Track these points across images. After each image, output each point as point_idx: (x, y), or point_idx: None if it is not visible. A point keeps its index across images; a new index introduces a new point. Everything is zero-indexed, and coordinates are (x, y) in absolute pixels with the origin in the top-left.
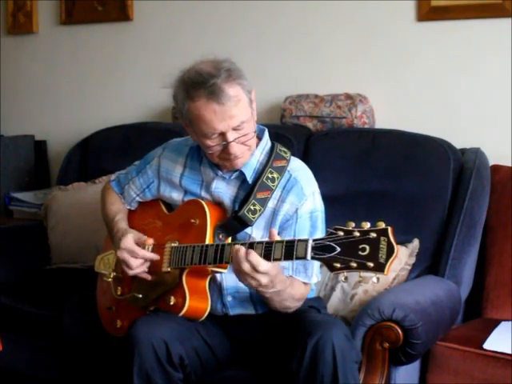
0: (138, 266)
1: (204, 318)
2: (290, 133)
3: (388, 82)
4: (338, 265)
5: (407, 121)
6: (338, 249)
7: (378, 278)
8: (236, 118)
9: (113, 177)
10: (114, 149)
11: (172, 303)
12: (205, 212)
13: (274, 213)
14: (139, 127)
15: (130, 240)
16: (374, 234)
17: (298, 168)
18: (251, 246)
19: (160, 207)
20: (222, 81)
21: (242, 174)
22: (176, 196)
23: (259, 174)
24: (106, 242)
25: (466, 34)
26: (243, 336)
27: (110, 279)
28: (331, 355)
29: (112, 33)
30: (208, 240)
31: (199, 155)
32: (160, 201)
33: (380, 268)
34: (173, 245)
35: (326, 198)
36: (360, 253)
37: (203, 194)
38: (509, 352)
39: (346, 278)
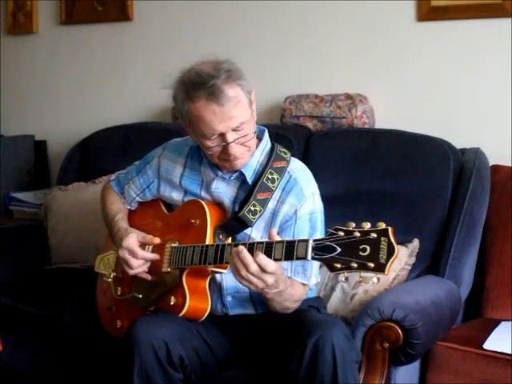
0: (138, 266)
1: (204, 318)
2: (290, 133)
3: (388, 82)
4: (339, 265)
5: (407, 121)
6: (339, 249)
7: (378, 278)
8: (236, 118)
9: (113, 177)
10: (113, 149)
11: (172, 303)
12: (205, 212)
13: (274, 214)
14: (139, 127)
15: (132, 239)
16: (374, 235)
17: (297, 169)
18: (251, 246)
19: (160, 207)
20: (222, 82)
21: (241, 175)
22: (176, 196)
23: (259, 175)
24: (106, 242)
25: (466, 34)
26: (243, 336)
27: (109, 279)
28: (331, 355)
29: (112, 33)
30: (208, 240)
31: (199, 155)
32: (160, 201)
33: (380, 268)
34: (173, 245)
35: (325, 198)
36: (360, 253)
37: (203, 194)
38: (509, 352)
39: (346, 279)
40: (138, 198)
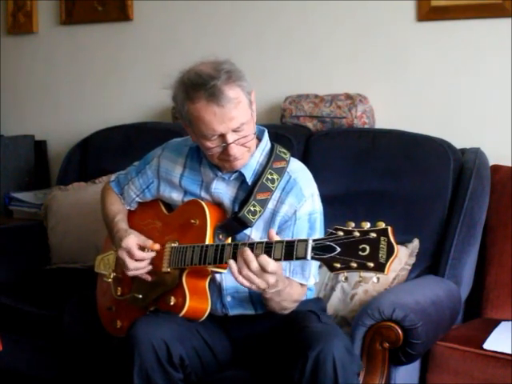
0: (135, 268)
1: (204, 318)
2: (290, 133)
3: (388, 82)
4: (338, 265)
5: (407, 121)
6: (338, 249)
7: (378, 278)
8: (236, 119)
9: (112, 177)
10: (113, 149)
11: (172, 303)
12: (205, 212)
13: (273, 214)
14: (139, 127)
15: (131, 240)
16: (374, 234)
17: (297, 169)
18: (251, 246)
19: (160, 207)
20: (222, 83)
21: (241, 175)
22: (176, 196)
23: (259, 175)
24: (106, 242)
25: (466, 34)
26: (243, 336)
27: (109, 280)
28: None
29: (112, 33)
30: (208, 240)
31: (199, 155)
32: (160, 201)
33: (380, 268)
34: (173, 245)
35: (325, 197)
36: (360, 253)
37: (203, 194)
38: (509, 352)
39: (346, 278)
40: (137, 199)
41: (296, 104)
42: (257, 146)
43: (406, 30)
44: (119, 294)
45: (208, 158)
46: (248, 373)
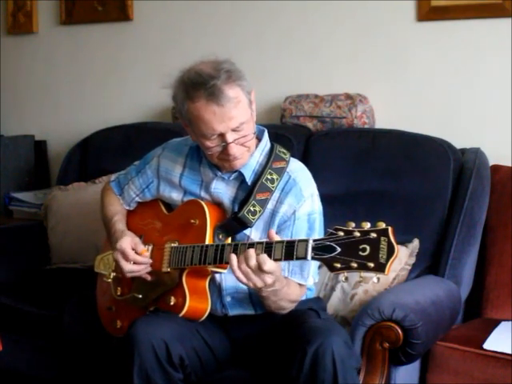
0: (130, 270)
1: (204, 318)
2: (290, 133)
3: (388, 82)
4: (339, 265)
5: (407, 121)
6: (339, 249)
7: (378, 278)
8: (235, 119)
9: (113, 177)
10: (113, 149)
11: (172, 303)
12: (204, 212)
13: (273, 214)
14: (139, 127)
15: (125, 242)
16: (374, 234)
17: (297, 169)
18: (251, 246)
19: (159, 207)
20: (222, 82)
21: (241, 175)
22: (175, 196)
23: (258, 175)
24: (105, 242)
25: (465, 34)
26: (243, 336)
27: (109, 279)
28: (331, 362)
29: (112, 33)
30: (208, 240)
31: (199, 155)
32: (159, 201)
33: (380, 268)
34: (172, 245)
35: (325, 198)
36: (360, 253)
37: (203, 194)
38: (509, 352)
39: (346, 278)
40: (137, 199)
41: (296, 104)
42: (256, 146)
43: (406, 29)
44: (119, 293)
45: (208, 158)
46: (248, 373)
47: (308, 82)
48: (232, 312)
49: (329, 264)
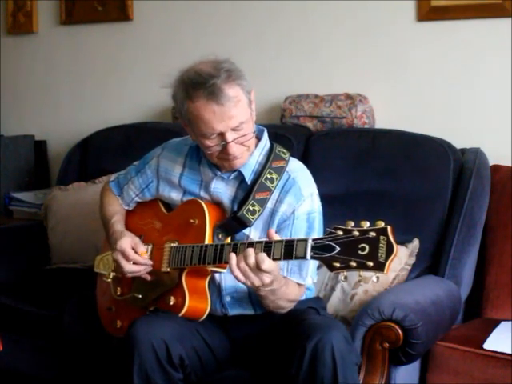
0: (130, 270)
1: (204, 317)
2: (290, 133)
3: (388, 82)
4: (338, 264)
5: (407, 121)
6: (338, 248)
7: (377, 278)
8: (235, 118)
9: (112, 177)
10: (113, 149)
11: (172, 303)
12: (204, 212)
13: (272, 213)
14: (139, 127)
15: (125, 242)
16: (373, 233)
17: (296, 169)
18: (251, 245)
19: (159, 207)
20: (222, 81)
21: (240, 174)
22: (175, 196)
23: (258, 175)
24: (105, 242)
25: (465, 34)
26: (243, 336)
27: (109, 280)
28: (331, 358)
29: (112, 33)
30: (207, 240)
31: (198, 155)
32: (159, 201)
33: (380, 267)
34: (172, 245)
35: (325, 197)
36: (360, 252)
37: (202, 193)
38: (509, 352)
39: (345, 278)
40: (137, 198)
41: (296, 104)
42: (256, 146)
43: (406, 30)
44: (119, 294)
45: (207, 157)
46: (247, 372)
47: (308, 81)
48: (232, 312)
49: (328, 263)
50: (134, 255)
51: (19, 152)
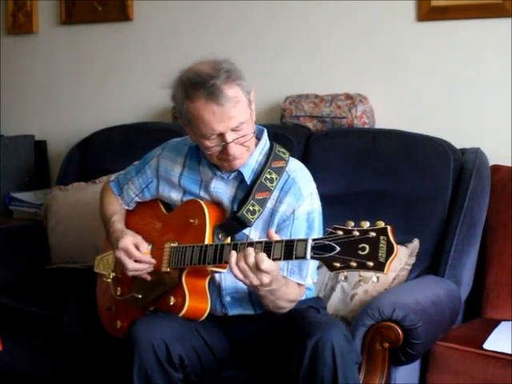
0: (133, 269)
1: (204, 317)
2: (290, 133)
3: (388, 82)
4: (338, 264)
5: (407, 121)
6: (338, 248)
7: (377, 278)
8: (235, 118)
9: (112, 177)
10: (113, 149)
11: (172, 303)
12: (204, 212)
13: (272, 213)
14: (139, 127)
15: (127, 240)
16: (373, 233)
17: (296, 169)
18: (251, 245)
19: (159, 207)
20: (222, 82)
21: (240, 174)
22: (175, 196)
23: (258, 175)
24: (105, 242)
25: (465, 34)
26: (243, 336)
27: (109, 280)
28: (331, 356)
29: (112, 33)
30: (207, 240)
31: (198, 155)
32: (159, 201)
33: (380, 267)
34: (172, 245)
35: (325, 197)
36: (360, 252)
37: (202, 193)
38: (509, 352)
39: (345, 278)
40: (136, 198)
41: (296, 104)
42: (256, 146)
43: (406, 29)
44: (119, 294)
45: (207, 158)
46: (247, 373)
47: (308, 81)
48: (231, 312)
49: (328, 263)
50: (138, 253)
51: (19, 152)
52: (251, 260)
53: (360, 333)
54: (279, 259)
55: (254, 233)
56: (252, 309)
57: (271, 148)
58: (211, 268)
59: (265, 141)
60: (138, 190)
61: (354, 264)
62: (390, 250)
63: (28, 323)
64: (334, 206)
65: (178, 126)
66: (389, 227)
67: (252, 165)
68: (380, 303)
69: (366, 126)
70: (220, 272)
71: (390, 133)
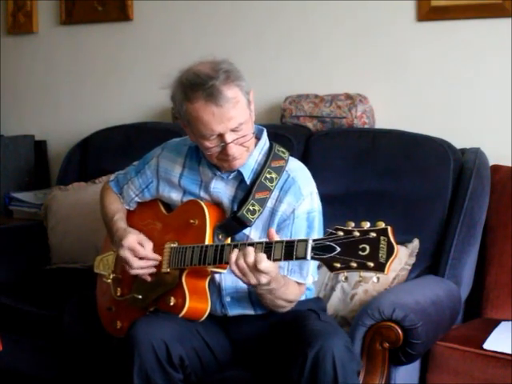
0: (138, 266)
1: (204, 318)
2: (289, 133)
3: (388, 82)
4: (338, 265)
5: (407, 121)
6: (338, 249)
7: (378, 278)
8: (234, 119)
9: (112, 177)
10: (113, 149)
11: (172, 304)
12: (204, 212)
13: (272, 213)
14: (139, 127)
15: (132, 239)
16: (373, 234)
17: (296, 168)
18: (251, 245)
19: (159, 208)
20: (221, 82)
21: (240, 174)
22: (175, 196)
23: (257, 174)
24: (105, 242)
25: (465, 34)
26: (243, 336)
27: (109, 280)
28: (331, 366)
29: (112, 33)
30: (207, 240)
31: (198, 155)
32: (159, 201)
33: (380, 268)
34: (172, 245)
35: (325, 198)
36: (360, 253)
37: (202, 194)
38: (509, 352)
39: (346, 278)
40: (136, 199)
41: (296, 104)
42: (255, 146)
43: (406, 29)
44: (119, 294)
45: (207, 158)
46: (248, 373)
47: (308, 81)
48: (231, 312)
49: (328, 264)
50: (143, 250)
51: (19, 152)
52: (251, 259)
53: (360, 333)
54: (279, 260)
55: (254, 233)
56: (252, 309)
57: (271, 148)
58: (211, 268)
59: (264, 141)
60: (137, 190)
61: (354, 264)
62: (390, 251)
63: (28, 323)
64: (334, 205)
65: (177, 126)
66: (389, 228)
67: (252, 165)
68: (380, 303)
69: (366, 126)
70: (220, 272)
71: (390, 133)
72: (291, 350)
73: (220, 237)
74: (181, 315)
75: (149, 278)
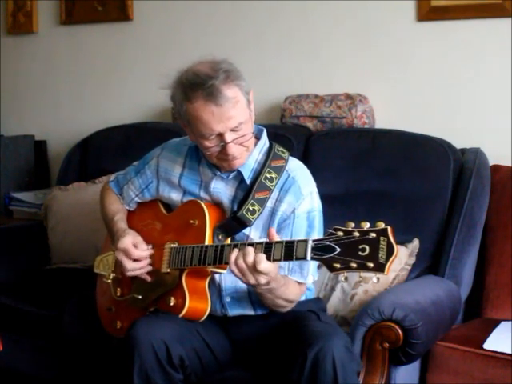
0: (133, 269)
1: (204, 318)
2: (289, 133)
3: (388, 82)
4: (338, 265)
5: (407, 121)
6: (338, 249)
7: (378, 278)
8: (234, 119)
9: (112, 177)
10: (113, 149)
11: (172, 304)
12: (204, 213)
13: (272, 213)
14: (139, 127)
15: (127, 241)
16: (373, 234)
17: (296, 168)
18: (251, 246)
19: (159, 208)
20: (220, 82)
21: (239, 174)
22: (175, 196)
23: (257, 174)
24: (105, 242)
25: (465, 34)
26: (243, 337)
27: (109, 280)
28: (331, 366)
29: (112, 33)
30: (207, 241)
31: (198, 155)
32: (159, 201)
33: (380, 268)
34: (172, 246)
35: (325, 198)
36: (360, 253)
37: (202, 194)
38: (509, 352)
39: (346, 278)
40: (136, 199)
41: (296, 104)
42: (255, 145)
43: (406, 30)
44: (119, 294)
45: (206, 158)
46: (248, 373)
47: (308, 81)
48: (231, 312)
49: (328, 264)
50: (136, 252)
51: (19, 152)
52: (250, 259)
53: (360, 333)
54: (279, 260)
55: (254, 233)
56: (252, 309)
57: (270, 147)
58: (211, 269)
59: (264, 140)
60: (137, 190)
61: (354, 265)
62: (390, 251)
63: (28, 323)
64: (334, 205)
65: (177, 126)
66: (389, 228)
67: (251, 164)
68: (380, 303)
69: (366, 126)
70: (220, 273)
71: (390, 133)
72: (291, 350)
73: (220, 237)
74: (181, 315)
75: (148, 278)
